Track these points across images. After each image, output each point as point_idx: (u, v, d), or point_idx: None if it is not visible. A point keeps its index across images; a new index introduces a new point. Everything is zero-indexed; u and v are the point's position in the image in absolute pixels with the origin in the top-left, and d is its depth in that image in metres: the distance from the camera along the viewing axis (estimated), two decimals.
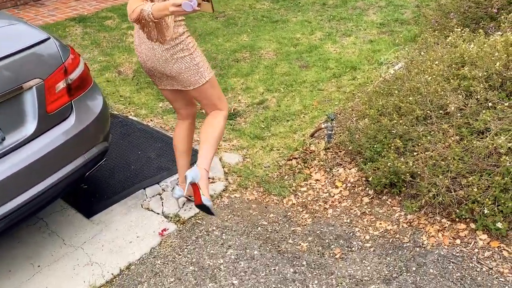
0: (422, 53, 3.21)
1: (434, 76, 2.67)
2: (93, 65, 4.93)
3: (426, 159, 2.39)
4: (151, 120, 3.92)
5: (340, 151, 3.15)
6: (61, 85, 2.40)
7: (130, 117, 3.95)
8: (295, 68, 4.66)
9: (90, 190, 3.02)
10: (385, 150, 2.64)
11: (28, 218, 2.53)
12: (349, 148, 3.03)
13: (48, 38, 2.42)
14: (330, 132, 3.21)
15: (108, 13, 6.44)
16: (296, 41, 5.31)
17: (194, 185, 2.24)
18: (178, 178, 2.87)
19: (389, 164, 2.49)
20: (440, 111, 2.59)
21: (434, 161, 2.36)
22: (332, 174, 2.96)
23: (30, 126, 2.28)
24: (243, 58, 4.99)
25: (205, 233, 2.63)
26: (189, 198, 2.84)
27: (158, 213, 2.81)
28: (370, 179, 2.65)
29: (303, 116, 3.83)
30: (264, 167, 3.20)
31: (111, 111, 4.06)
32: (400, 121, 2.62)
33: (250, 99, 4.18)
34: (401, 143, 2.55)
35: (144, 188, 3.02)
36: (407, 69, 3.22)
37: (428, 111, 2.60)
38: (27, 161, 2.23)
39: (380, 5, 6.26)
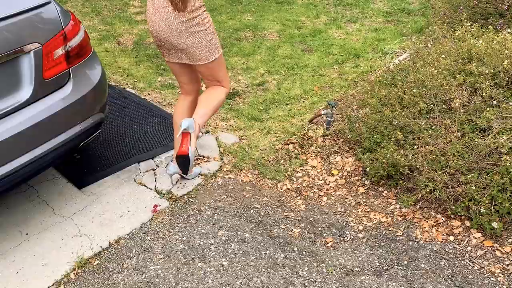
0: (429, 45, 3.16)
1: (440, 70, 2.63)
2: (93, 34, 4.83)
3: (426, 153, 2.37)
4: (148, 94, 3.85)
5: (338, 139, 3.12)
6: (60, 51, 2.33)
7: (128, 89, 3.88)
8: (298, 52, 4.60)
9: (83, 160, 2.97)
10: (384, 141, 2.61)
11: (18, 185, 2.49)
12: (348, 137, 3.00)
13: (49, 2, 2.34)
14: (329, 119, 3.17)
15: None
16: (301, 24, 5.23)
17: (186, 134, 2.32)
18: (173, 155, 2.83)
19: (388, 156, 2.46)
20: (444, 106, 2.56)
21: (433, 156, 2.33)
22: (328, 162, 2.94)
23: (26, 91, 2.22)
24: (246, 37, 4.91)
25: (197, 212, 2.61)
26: (182, 175, 2.81)
27: (150, 189, 2.78)
28: (367, 169, 2.62)
29: (303, 101, 3.79)
30: (261, 149, 3.16)
31: (109, 82, 3.98)
32: (403, 113, 2.59)
33: (250, 80, 4.12)
34: (401, 135, 2.52)
35: (138, 163, 2.98)
36: (412, 61, 3.17)
37: (432, 105, 2.56)
38: (20, 127, 2.17)
39: None
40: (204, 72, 2.52)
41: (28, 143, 2.22)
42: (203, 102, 2.51)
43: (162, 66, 4.27)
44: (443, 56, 2.80)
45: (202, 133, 3.22)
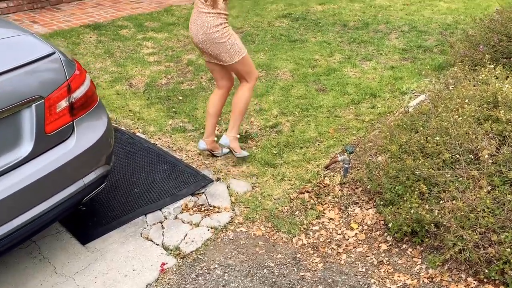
0: (451, 88, 3.01)
1: (465, 117, 2.46)
2: (104, 76, 4.79)
3: (453, 209, 2.18)
4: (159, 139, 3.74)
5: (357, 188, 2.95)
6: (63, 103, 2.24)
7: (138, 134, 3.78)
8: (312, 91, 4.48)
9: (88, 213, 2.84)
10: (407, 193, 2.43)
11: (19, 244, 2.35)
12: (368, 187, 2.82)
13: (53, 53, 2.27)
14: (347, 166, 3.00)
15: (124, 22, 6.34)
16: (314, 63, 5.14)
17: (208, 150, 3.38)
18: (203, 135, 3.45)
19: (412, 211, 2.28)
20: (470, 156, 2.38)
21: (462, 212, 2.14)
22: (347, 214, 2.76)
23: (26, 147, 2.11)
24: (259, 77, 4.82)
25: (206, 271, 2.44)
26: (212, 152, 3.41)
27: (157, 244, 2.62)
28: (389, 225, 2.43)
29: (318, 144, 3.64)
30: (274, 199, 3.00)
31: (119, 126, 3.90)
32: (426, 163, 2.42)
33: (263, 122, 4.00)
34: (425, 188, 2.34)
35: (145, 215, 2.84)
36: (433, 104, 3.02)
37: (457, 155, 2.39)
38: (19, 185, 2.06)
39: (403, 30, 6.08)
40: (230, 69, 3.18)
41: (27, 202, 2.10)
42: (232, 109, 3.27)
43: (173, 109, 4.19)
44: (466, 100, 2.64)
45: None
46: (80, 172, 2.30)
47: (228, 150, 3.37)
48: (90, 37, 5.80)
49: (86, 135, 2.33)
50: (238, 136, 3.36)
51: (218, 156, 3.45)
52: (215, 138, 3.41)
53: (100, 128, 2.42)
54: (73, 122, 2.29)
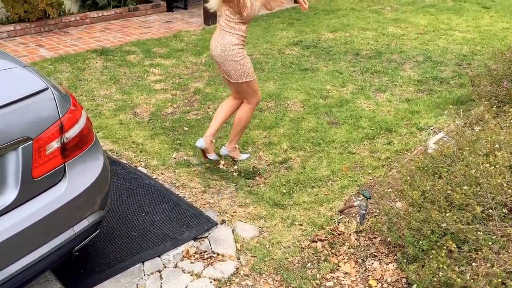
0: (477, 129, 2.78)
1: (498, 166, 2.23)
2: (109, 104, 4.62)
3: (487, 273, 1.92)
4: (161, 173, 3.53)
5: (375, 238, 2.70)
6: (54, 144, 2.03)
7: (140, 168, 3.57)
8: (324, 124, 4.27)
9: (81, 258, 2.61)
10: (433, 250, 2.18)
11: None
12: (387, 238, 2.57)
13: (46, 88, 2.08)
14: (363, 212, 2.76)
15: (132, 47, 6.21)
16: (326, 93, 4.94)
17: (202, 150, 3.50)
18: (198, 159, 3.69)
19: (440, 273, 2.02)
20: (504, 210, 2.14)
21: (498, 279, 1.88)
22: (364, 268, 2.50)
23: (10, 194, 1.90)
24: (268, 107, 4.62)
25: None
26: (205, 153, 3.52)
27: None
28: (414, 286, 2.17)
29: (331, 184, 3.40)
30: (284, 247, 2.75)
31: (120, 159, 3.70)
32: (454, 216, 2.17)
33: (272, 157, 3.78)
34: (454, 246, 2.09)
35: (143, 262, 2.60)
36: (457, 146, 2.78)
37: (489, 209, 2.14)
38: (3, 236, 1.84)
39: (418, 60, 5.89)
40: (236, 87, 3.39)
41: (9, 255, 1.87)
42: (233, 124, 3.55)
43: (178, 141, 3.98)
44: (497, 146, 2.41)
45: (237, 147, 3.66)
46: (70, 220, 2.08)
47: (202, 147, 3.51)
48: (96, 62, 5.66)
49: (79, 178, 2.12)
50: (237, 146, 3.65)
51: (210, 159, 3.58)
52: (213, 140, 3.54)
53: (95, 170, 2.21)
54: (64, 165, 2.08)
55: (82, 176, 2.13)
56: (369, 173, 3.49)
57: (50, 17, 6.55)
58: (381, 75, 5.44)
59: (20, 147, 1.90)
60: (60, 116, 2.06)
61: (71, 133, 2.12)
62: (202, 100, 4.75)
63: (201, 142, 3.45)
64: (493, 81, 3.81)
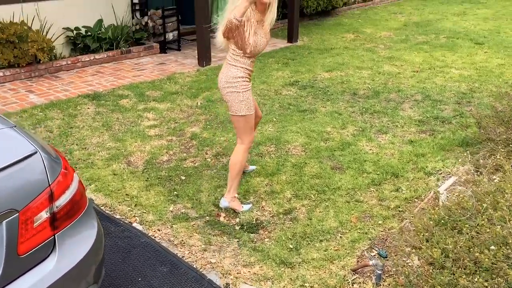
0: (496, 179, 2.61)
1: None
2: (101, 153, 4.42)
3: None
4: (158, 230, 3.30)
5: None
6: (43, 215, 1.83)
7: (135, 224, 3.35)
8: (327, 170, 4.09)
9: None
10: None
11: None
12: None
13: (35, 152, 1.89)
14: (379, 272, 2.55)
15: (125, 91, 6.07)
16: (327, 136, 4.79)
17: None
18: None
19: None
20: None
21: None
22: None
23: None
24: (268, 152, 4.46)
25: None
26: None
27: None
28: None
29: (340, 237, 3.20)
30: None
31: (113, 215, 3.47)
32: (485, 283, 1.97)
33: (276, 207, 3.58)
34: None
35: None
36: (475, 197, 2.61)
37: None
38: None
39: (416, 99, 5.80)
40: (233, 120, 3.41)
41: None
42: (229, 174, 3.51)
43: (175, 191, 3.78)
44: None
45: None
46: None
47: (254, 167, 3.89)
48: (88, 108, 5.49)
49: (71, 251, 1.91)
50: (237, 195, 3.59)
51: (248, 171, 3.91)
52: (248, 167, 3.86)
53: (88, 241, 1.99)
54: (54, 237, 1.87)
55: (73, 248, 1.92)
56: (379, 224, 3.29)
57: (41, 62, 6.42)
58: (381, 115, 5.33)
59: (4, 221, 1.70)
60: (50, 183, 1.86)
61: (62, 200, 1.92)
62: (199, 146, 4.57)
63: (224, 204, 3.56)
64: (501, 123, 3.69)
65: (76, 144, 4.59)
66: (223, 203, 3.51)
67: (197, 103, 5.71)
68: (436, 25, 10.07)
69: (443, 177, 3.83)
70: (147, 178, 4.00)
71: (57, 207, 1.87)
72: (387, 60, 7.52)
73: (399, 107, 5.55)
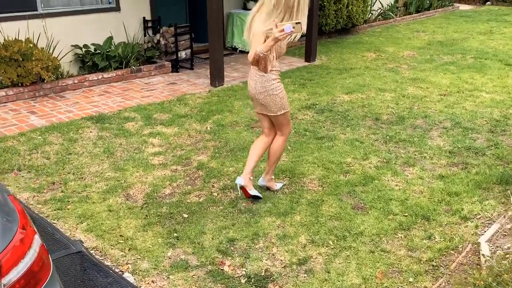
0: None
1: None
2: (98, 184, 4.04)
3: None
4: (152, 282, 2.88)
5: None
6: None
7: (126, 274, 2.92)
8: (347, 209, 3.63)
9: None
10: None
11: None
12: None
13: None
14: None
15: (131, 113, 5.72)
16: (347, 168, 4.34)
17: (242, 187, 3.68)
18: (242, 175, 3.73)
19: None
20: None
21: None
22: None
23: None
24: (281, 186, 4.01)
25: None
26: (246, 189, 3.69)
27: None
28: None
29: None
30: None
31: (104, 261, 3.06)
32: None
33: (288, 255, 3.12)
34: None
35: None
36: None
37: None
38: None
39: (445, 126, 5.31)
40: (273, 120, 3.60)
41: None
42: (268, 157, 3.78)
43: (175, 233, 3.36)
44: None
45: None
46: None
47: (241, 184, 3.72)
48: (91, 131, 5.14)
49: None
50: (273, 177, 3.89)
51: (252, 196, 3.72)
52: (252, 178, 3.73)
53: None
54: None
55: None
56: (410, 282, 2.81)
57: (46, 81, 6.13)
58: (407, 144, 4.85)
59: None
60: None
61: (15, 274, 1.51)
62: (205, 178, 4.16)
63: (240, 180, 3.68)
64: None
65: (73, 173, 4.22)
66: (262, 182, 3.85)
67: (207, 127, 5.32)
68: (461, 45, 9.58)
69: (482, 223, 3.33)
70: (146, 215, 3.59)
71: (4, 285, 1.46)
72: (411, 82, 7.05)
73: (426, 135, 5.06)
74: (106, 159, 4.50)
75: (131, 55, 7.23)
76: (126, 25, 7.53)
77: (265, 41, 3.15)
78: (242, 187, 3.67)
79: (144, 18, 7.79)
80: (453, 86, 6.76)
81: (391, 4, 12.74)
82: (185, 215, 3.58)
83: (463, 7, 15.12)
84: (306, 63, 8.29)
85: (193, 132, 5.20)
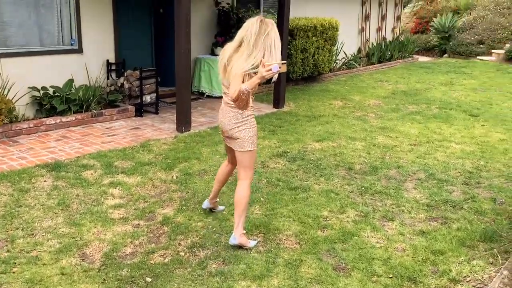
0: None
1: None
2: (50, 242, 3.59)
3: None
4: None
5: None
6: None
7: None
8: (328, 271, 3.34)
9: None
10: None
11: None
12: None
13: None
14: None
15: (90, 160, 5.32)
16: (324, 222, 4.08)
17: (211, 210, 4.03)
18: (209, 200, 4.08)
19: None
20: None
21: None
22: None
23: None
24: (257, 243, 3.69)
25: None
26: (212, 210, 4.11)
27: None
28: None
29: None
30: None
31: None
32: None
33: None
34: None
35: None
36: None
37: None
38: None
39: (419, 177, 5.20)
40: (237, 157, 3.55)
41: None
42: (235, 207, 3.60)
43: None
44: None
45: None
46: None
47: (208, 207, 4.12)
48: (45, 181, 4.69)
49: None
50: (245, 231, 3.65)
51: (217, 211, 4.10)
52: (217, 200, 4.11)
53: None
54: None
55: None
56: None
57: None
58: (383, 196, 4.67)
59: None
60: None
61: None
62: (171, 234, 3.79)
63: (206, 204, 4.10)
64: None
65: (22, 229, 3.76)
66: (233, 241, 3.56)
67: (173, 176, 4.98)
68: (425, 95, 9.78)
69: (474, 286, 3.11)
70: (104, 279, 3.17)
71: None
72: (380, 131, 7.01)
73: (401, 187, 4.92)
74: (60, 212, 4.06)
75: (93, 98, 6.88)
76: (89, 67, 7.22)
77: (243, 80, 3.25)
78: (211, 209, 4.07)
79: (107, 60, 7.52)
80: (422, 136, 6.75)
81: (354, 54, 13.04)
82: (148, 279, 3.19)
83: (422, 58, 15.70)
84: (275, 109, 8.18)
85: (158, 181, 4.84)
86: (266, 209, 4.30)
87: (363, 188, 4.84)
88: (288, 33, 8.20)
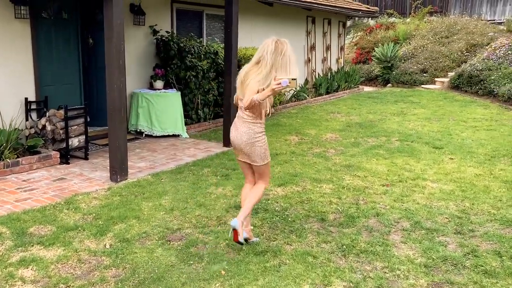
0: None
1: None
2: None
3: None
4: None
5: None
6: None
7: None
8: None
9: None
10: None
11: None
12: None
13: None
14: None
15: None
16: None
17: (235, 230, 3.66)
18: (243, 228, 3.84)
19: None
20: None
21: None
22: None
23: None
24: None
25: None
26: (247, 240, 3.93)
27: None
28: None
29: None
30: None
31: None
32: None
33: None
34: None
35: None
36: None
37: None
38: None
39: (404, 227, 4.44)
40: (255, 170, 3.84)
41: None
42: (246, 200, 3.84)
43: None
44: None
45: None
46: None
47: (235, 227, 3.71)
48: None
49: None
50: (244, 222, 3.74)
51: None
52: (252, 227, 4.06)
53: None
54: None
55: None
56: None
57: None
58: (371, 257, 3.83)
59: None
60: None
61: None
62: None
63: (233, 222, 3.66)
64: None
65: None
66: (245, 235, 3.78)
67: (105, 245, 3.88)
68: (381, 126, 9.28)
69: None
70: None
71: None
72: (346, 170, 6.26)
73: (388, 242, 4.11)
74: None
75: (6, 144, 5.65)
76: (2, 107, 5.98)
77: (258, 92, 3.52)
78: (234, 230, 3.69)
79: (26, 99, 6.32)
80: (393, 174, 6.07)
81: (302, 86, 12.51)
82: None
83: (367, 88, 15.54)
84: (225, 148, 7.27)
85: (86, 254, 3.72)
86: (230, 285, 3.31)
87: (344, 247, 3.98)
88: (236, 64, 7.38)
